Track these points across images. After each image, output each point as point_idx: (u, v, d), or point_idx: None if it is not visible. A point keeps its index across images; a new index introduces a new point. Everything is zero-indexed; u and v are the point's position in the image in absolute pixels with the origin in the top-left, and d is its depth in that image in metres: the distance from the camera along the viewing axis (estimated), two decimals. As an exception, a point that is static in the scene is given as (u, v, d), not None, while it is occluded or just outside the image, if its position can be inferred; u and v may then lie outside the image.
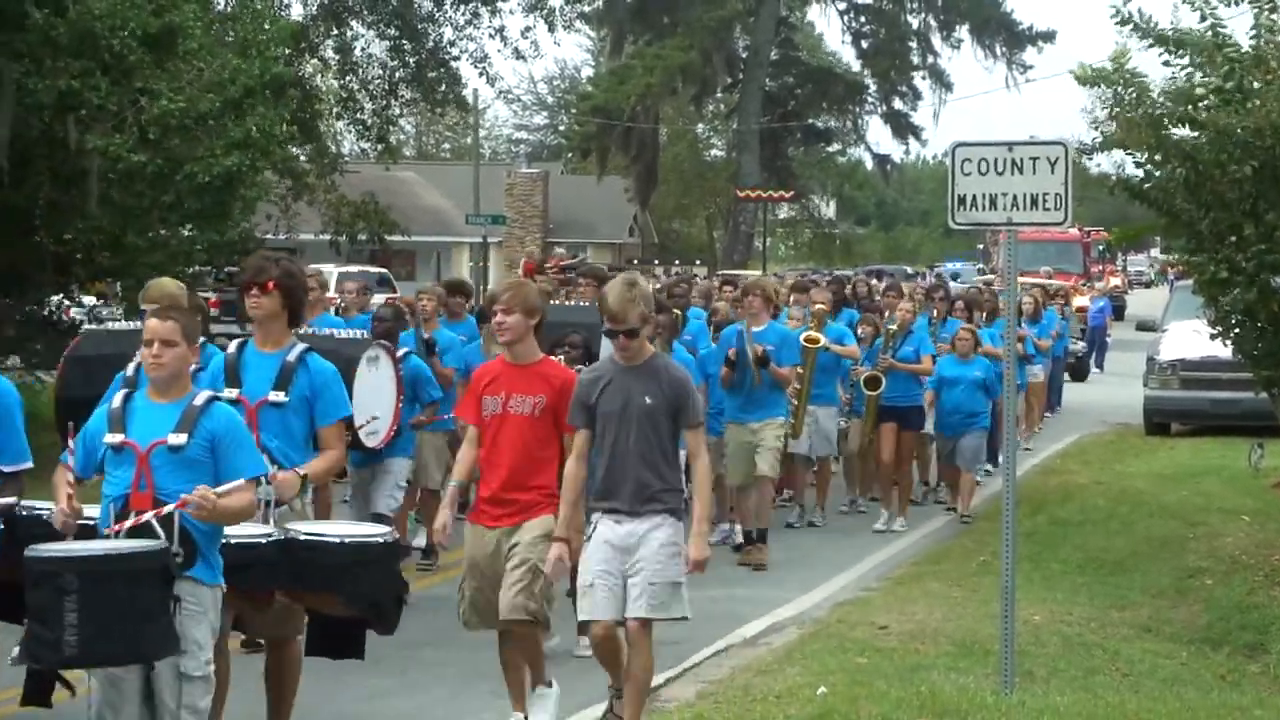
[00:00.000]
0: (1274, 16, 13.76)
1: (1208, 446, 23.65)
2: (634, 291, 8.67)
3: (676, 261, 59.41)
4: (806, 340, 16.23)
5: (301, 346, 8.77)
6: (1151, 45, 13.78)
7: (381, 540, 8.47)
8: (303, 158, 36.49)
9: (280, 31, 23.91)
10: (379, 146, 42.23)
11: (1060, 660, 11.29)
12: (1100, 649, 11.82)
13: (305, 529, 8.41)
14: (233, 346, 8.93)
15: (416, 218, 49.58)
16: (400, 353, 12.14)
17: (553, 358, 9.89)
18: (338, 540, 8.33)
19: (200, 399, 7.67)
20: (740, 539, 15.52)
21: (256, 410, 8.59)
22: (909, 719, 9.20)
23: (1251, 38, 13.75)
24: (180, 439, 7.52)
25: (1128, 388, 31.12)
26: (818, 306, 17.29)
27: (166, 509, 7.42)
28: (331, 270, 43.58)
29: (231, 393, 8.59)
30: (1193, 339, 22.01)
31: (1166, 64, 13.84)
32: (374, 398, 10.67)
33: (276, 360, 8.72)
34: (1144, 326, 32.11)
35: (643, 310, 8.66)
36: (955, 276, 49.64)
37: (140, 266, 21.19)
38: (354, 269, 44.89)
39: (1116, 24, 13.68)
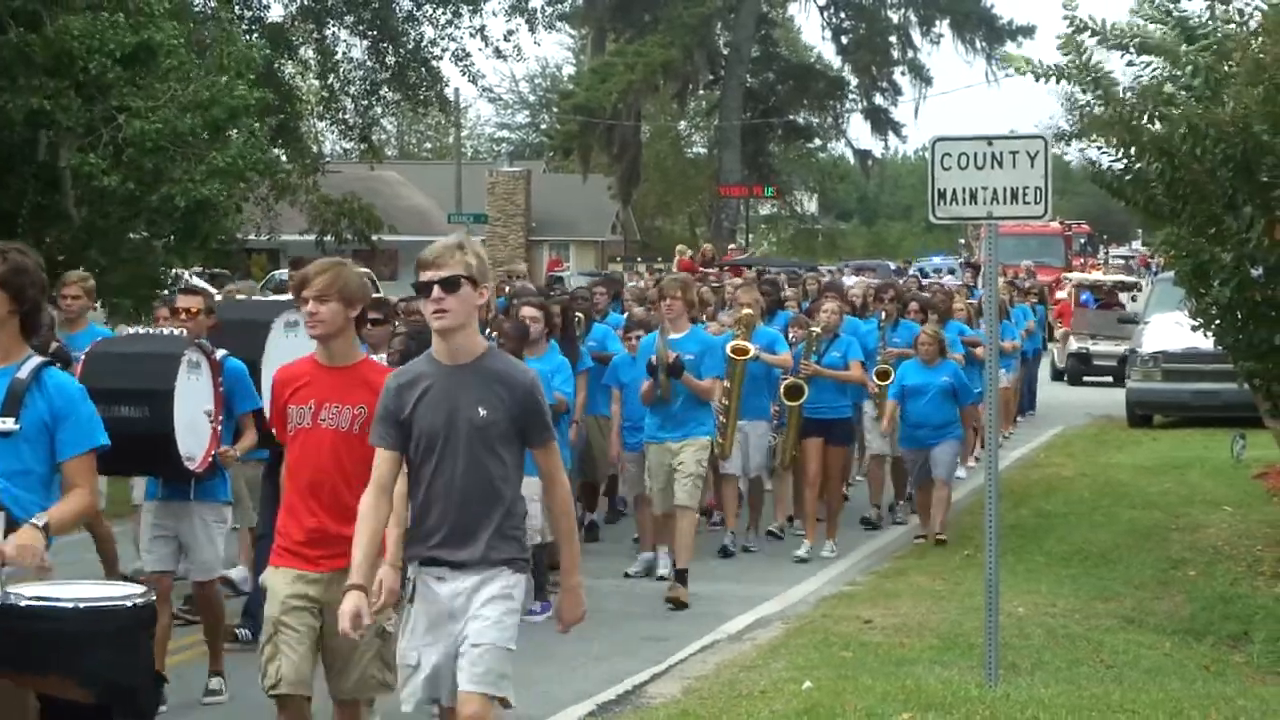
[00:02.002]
0: (1228, 9, 13.81)
1: (1190, 438, 23.74)
2: (463, 244, 6.67)
3: (659, 259, 59.41)
4: (733, 351, 14.64)
5: (36, 361, 6.76)
6: (1113, 48, 13.82)
7: (129, 605, 6.52)
8: (283, 158, 36.51)
9: (255, 57, 23.82)
10: (362, 146, 42.25)
11: (1044, 652, 11.31)
12: (1084, 640, 11.85)
13: (29, 592, 6.44)
14: None
15: (399, 217, 49.57)
16: (219, 354, 9.98)
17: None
18: (70, 605, 6.39)
19: None
20: (663, 570, 14.30)
21: None
22: (894, 713, 9.21)
23: (1213, 29, 13.78)
24: None
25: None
26: (744, 311, 15.21)
27: None
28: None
29: None
30: (1174, 331, 22.08)
31: (1130, 64, 13.90)
32: (195, 413, 9.50)
33: (3, 379, 6.68)
34: (1126, 319, 32.18)
35: (471, 263, 6.56)
36: (952, 272, 46.83)
37: (102, 285, 21.22)
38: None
39: (1072, 32, 13.72)
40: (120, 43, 19.98)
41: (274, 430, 7.74)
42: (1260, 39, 13.18)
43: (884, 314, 18.13)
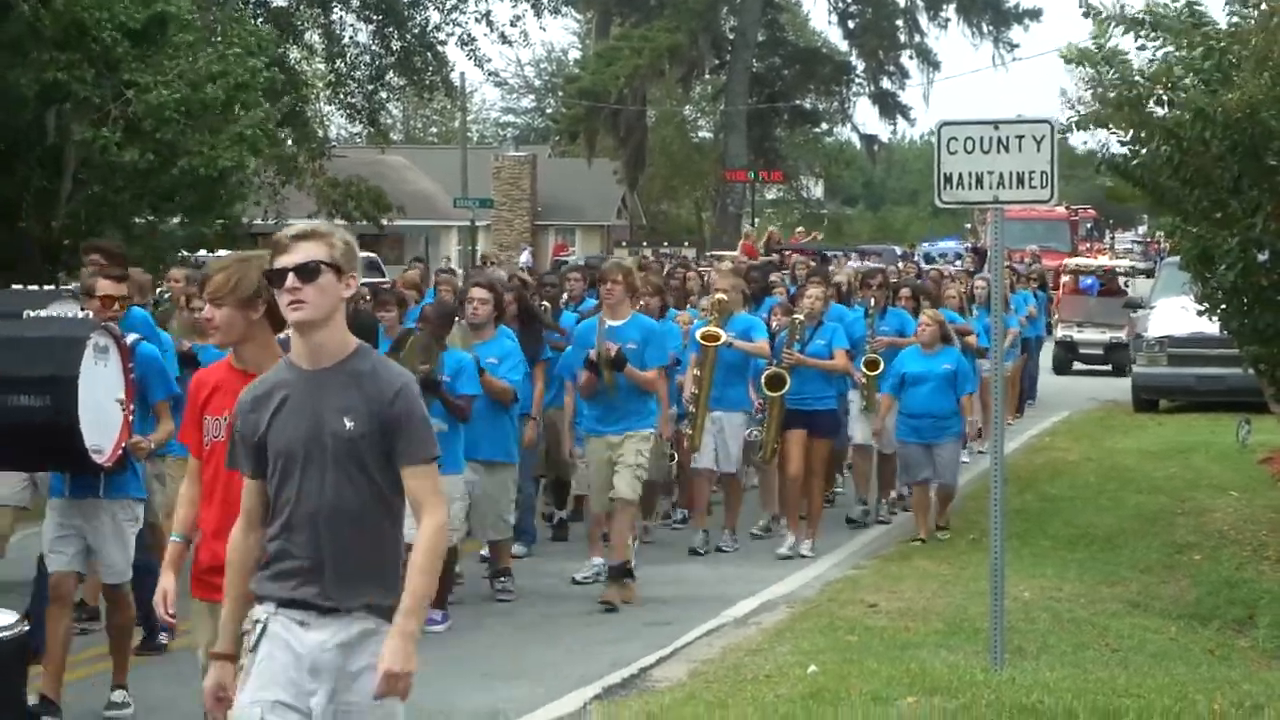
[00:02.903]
0: None
1: (1196, 423, 23.75)
2: (325, 226, 5.72)
3: (665, 243, 59.42)
4: (704, 337, 14.14)
5: None
6: (1126, 31, 13.82)
7: (3, 637, 5.86)
8: (289, 142, 36.49)
9: (263, 39, 23.84)
10: (370, 129, 42.23)
11: (1050, 636, 11.34)
12: (1089, 625, 11.87)
13: None
14: None
15: (404, 201, 49.49)
16: (130, 339, 9.15)
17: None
18: None
19: None
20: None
21: None
22: (899, 696, 9.23)
23: (1229, 14, 13.82)
24: None
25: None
26: (718, 296, 14.59)
27: None
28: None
29: None
30: (1180, 315, 22.09)
31: (1142, 48, 13.90)
32: (103, 402, 8.64)
33: None
34: (1132, 304, 32.11)
35: (335, 247, 5.58)
36: (959, 258, 45.46)
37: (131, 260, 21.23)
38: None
39: (1084, 15, 13.73)
40: (131, 16, 19.96)
41: (187, 437, 6.88)
42: (1273, 21, 13.19)
43: (872, 301, 16.76)
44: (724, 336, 14.17)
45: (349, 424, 5.47)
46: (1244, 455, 19.52)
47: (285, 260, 5.53)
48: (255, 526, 5.64)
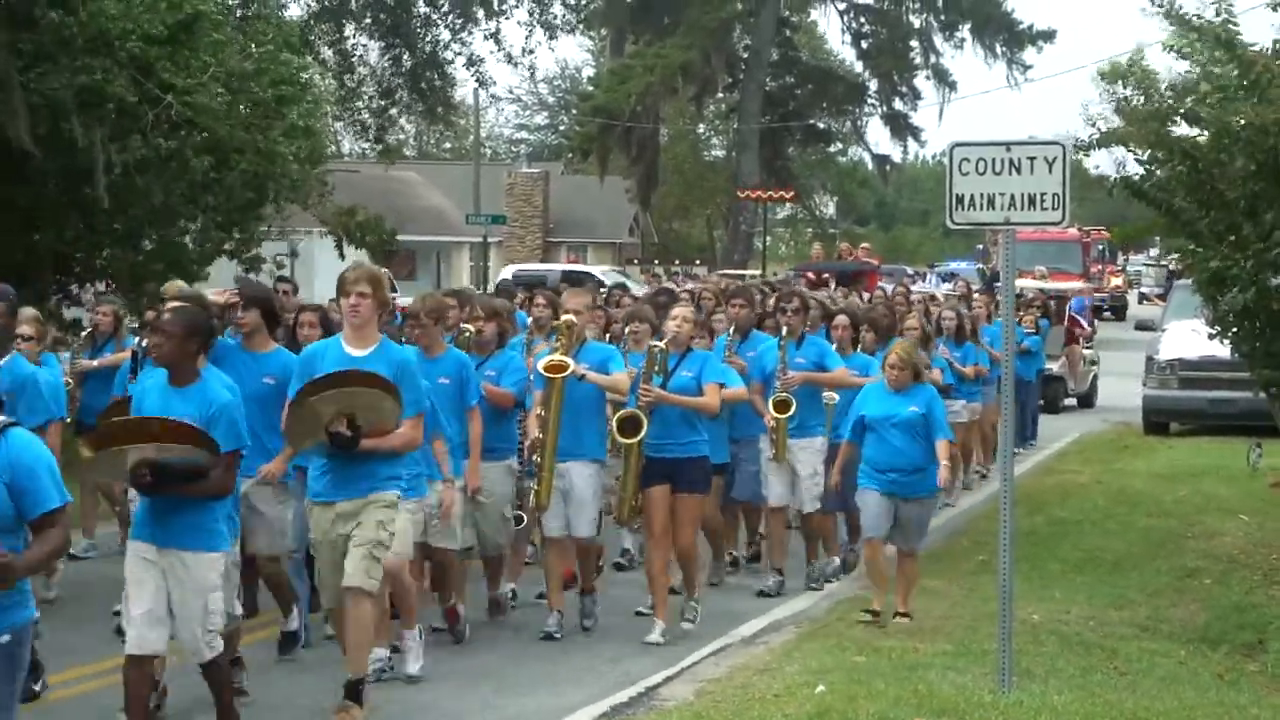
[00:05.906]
0: None
1: (1206, 446, 23.73)
2: None
3: (677, 262, 59.45)
4: (548, 369, 11.73)
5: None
6: (1180, 38, 13.71)
7: None
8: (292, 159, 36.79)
9: (289, 31, 23.99)
10: (378, 147, 42.38)
11: (1058, 659, 11.31)
12: (1098, 648, 11.84)
13: None
14: None
15: (417, 217, 49.67)
16: None
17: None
18: None
19: None
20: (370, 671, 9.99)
21: None
22: (906, 717, 9.21)
23: (1276, 40, 13.78)
24: None
25: (1126, 386, 31.10)
26: (565, 318, 12.04)
27: None
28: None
29: None
30: (1192, 338, 22.07)
31: (1183, 56, 13.79)
32: None
33: None
34: (1143, 326, 31.99)
35: None
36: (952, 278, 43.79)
37: (149, 271, 21.29)
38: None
39: (1158, 13, 13.66)
40: (155, 24, 20.02)
41: None
42: None
43: (786, 329, 13.93)
44: (572, 367, 11.76)
45: None
46: (1255, 479, 19.49)
47: None
48: None
